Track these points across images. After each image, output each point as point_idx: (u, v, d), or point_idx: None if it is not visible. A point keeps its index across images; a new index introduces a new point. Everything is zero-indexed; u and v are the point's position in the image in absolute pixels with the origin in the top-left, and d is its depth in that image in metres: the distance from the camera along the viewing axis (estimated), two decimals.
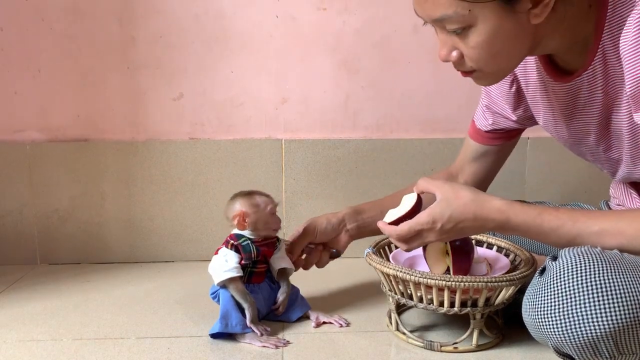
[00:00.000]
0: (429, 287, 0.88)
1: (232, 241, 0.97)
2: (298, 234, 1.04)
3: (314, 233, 1.04)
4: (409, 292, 0.92)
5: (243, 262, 0.96)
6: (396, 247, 1.07)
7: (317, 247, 1.06)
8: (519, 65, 0.87)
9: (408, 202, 0.88)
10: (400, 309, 1.01)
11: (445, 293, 0.88)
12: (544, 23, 0.74)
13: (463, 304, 0.89)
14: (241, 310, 0.95)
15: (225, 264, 0.95)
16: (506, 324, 0.97)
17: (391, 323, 0.98)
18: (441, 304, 0.89)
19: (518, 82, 0.96)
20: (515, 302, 0.88)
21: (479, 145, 1.07)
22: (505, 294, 0.89)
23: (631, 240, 0.73)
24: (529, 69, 0.91)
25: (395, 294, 0.94)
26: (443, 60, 0.79)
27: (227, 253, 0.97)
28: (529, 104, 0.98)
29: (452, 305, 0.89)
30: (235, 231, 0.98)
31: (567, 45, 0.76)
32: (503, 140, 1.06)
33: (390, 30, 1.37)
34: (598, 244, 0.73)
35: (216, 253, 0.98)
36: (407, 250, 0.88)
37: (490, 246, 1.06)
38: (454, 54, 0.78)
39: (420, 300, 0.91)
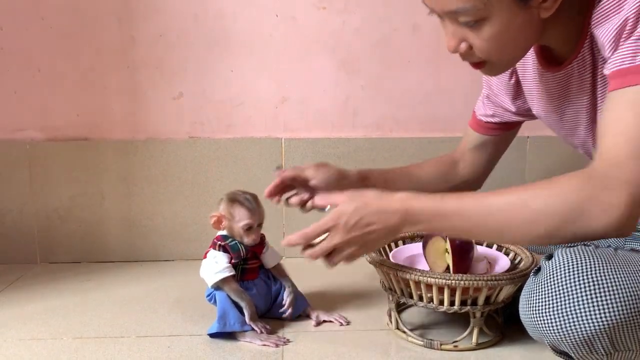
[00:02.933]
0: (428, 286, 0.88)
1: (219, 242, 0.97)
2: (305, 167, 0.97)
3: (316, 175, 0.96)
4: (409, 290, 0.92)
5: (233, 261, 0.96)
6: (396, 246, 1.07)
7: (303, 194, 0.97)
8: None
9: None
10: (400, 307, 1.01)
11: (445, 291, 0.88)
12: (550, 15, 0.75)
13: (463, 303, 0.89)
14: (239, 308, 0.95)
15: (215, 266, 0.95)
16: (506, 322, 0.97)
17: (391, 321, 0.98)
18: (441, 303, 0.90)
19: (517, 74, 0.97)
20: (515, 301, 0.88)
21: (479, 135, 1.08)
22: (505, 292, 0.90)
23: (537, 215, 0.70)
24: (527, 60, 0.92)
25: (395, 292, 0.94)
26: (452, 51, 0.79)
27: (216, 255, 0.97)
28: (526, 96, 0.98)
29: (452, 303, 0.89)
30: (221, 232, 0.98)
31: (566, 36, 0.77)
32: (501, 131, 1.06)
33: (390, 30, 1.37)
34: (505, 222, 0.72)
35: (205, 256, 0.98)
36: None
37: (490, 245, 1.06)
38: (463, 45, 0.78)
39: (420, 298, 0.91)
